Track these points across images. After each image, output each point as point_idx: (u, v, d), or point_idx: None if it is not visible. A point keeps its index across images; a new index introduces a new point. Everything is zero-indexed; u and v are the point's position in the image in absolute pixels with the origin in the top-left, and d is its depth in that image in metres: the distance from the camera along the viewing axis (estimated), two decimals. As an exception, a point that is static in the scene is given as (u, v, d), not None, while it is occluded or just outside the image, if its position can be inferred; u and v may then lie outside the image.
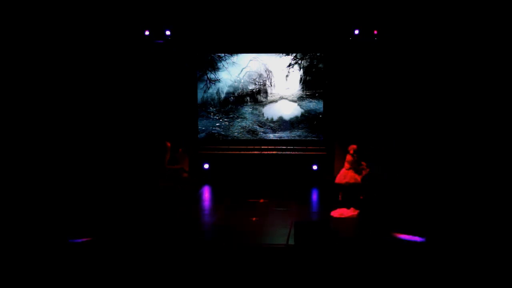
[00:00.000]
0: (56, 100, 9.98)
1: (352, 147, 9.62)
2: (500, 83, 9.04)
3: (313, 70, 12.18)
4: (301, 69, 12.20)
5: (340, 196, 9.61)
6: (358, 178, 9.53)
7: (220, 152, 12.18)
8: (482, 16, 9.16)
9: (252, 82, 12.36)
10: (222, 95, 12.44)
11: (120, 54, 11.26)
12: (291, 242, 6.95)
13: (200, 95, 12.43)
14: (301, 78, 12.23)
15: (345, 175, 9.55)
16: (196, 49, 12.10)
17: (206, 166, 12.16)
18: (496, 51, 9.09)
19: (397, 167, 10.81)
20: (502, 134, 8.83)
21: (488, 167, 8.87)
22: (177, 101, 12.14)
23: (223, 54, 12.29)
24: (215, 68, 12.34)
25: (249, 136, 12.41)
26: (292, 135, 12.29)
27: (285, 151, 12.22)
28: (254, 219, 8.43)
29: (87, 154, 10.51)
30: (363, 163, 9.90)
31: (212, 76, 12.35)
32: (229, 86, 12.39)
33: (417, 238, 7.29)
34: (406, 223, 7.85)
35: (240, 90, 12.38)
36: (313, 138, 12.14)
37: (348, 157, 9.60)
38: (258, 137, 12.37)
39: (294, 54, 12.15)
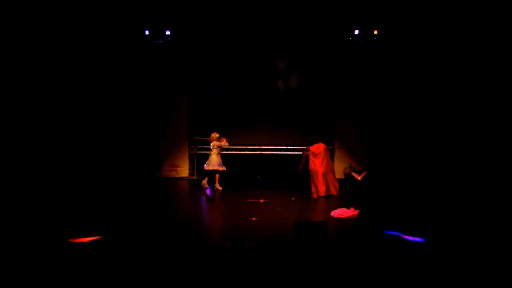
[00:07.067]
0: (57, 100, 9.99)
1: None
2: (499, 83, 9.04)
3: (313, 70, 12.18)
4: (301, 69, 12.20)
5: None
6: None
7: (220, 152, 12.18)
8: (482, 16, 9.17)
9: (252, 82, 12.37)
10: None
11: (120, 54, 11.28)
12: (291, 242, 6.94)
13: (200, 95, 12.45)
14: (301, 78, 12.24)
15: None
16: (196, 49, 12.11)
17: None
18: (496, 50, 9.09)
19: (397, 167, 10.82)
20: (502, 134, 8.84)
21: (488, 167, 8.88)
22: (177, 101, 12.16)
23: (223, 54, 12.29)
24: (215, 68, 12.35)
25: (249, 136, 12.41)
26: (292, 135, 12.30)
27: (285, 151, 12.23)
28: (254, 219, 8.43)
29: (85, 153, 10.52)
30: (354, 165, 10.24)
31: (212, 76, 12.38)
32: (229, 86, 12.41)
33: (417, 238, 7.29)
34: (406, 223, 7.85)
35: (240, 90, 12.38)
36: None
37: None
38: (258, 137, 12.37)
39: (294, 54, 12.15)
